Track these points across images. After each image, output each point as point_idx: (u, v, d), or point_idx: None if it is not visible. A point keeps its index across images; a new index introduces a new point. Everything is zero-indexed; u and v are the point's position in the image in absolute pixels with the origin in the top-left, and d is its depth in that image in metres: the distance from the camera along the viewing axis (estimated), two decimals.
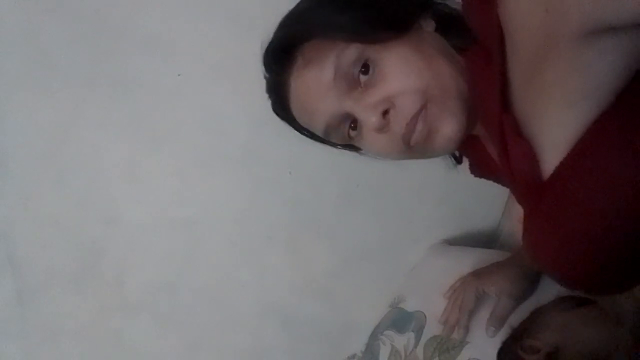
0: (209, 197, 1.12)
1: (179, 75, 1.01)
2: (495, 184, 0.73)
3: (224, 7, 0.97)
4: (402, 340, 0.97)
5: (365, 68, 0.58)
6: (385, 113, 0.57)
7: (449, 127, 0.57)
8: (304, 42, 0.60)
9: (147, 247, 1.14)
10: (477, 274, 0.93)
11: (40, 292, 1.12)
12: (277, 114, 0.68)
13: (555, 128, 0.48)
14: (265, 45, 0.64)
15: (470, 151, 0.70)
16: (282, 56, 0.62)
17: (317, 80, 0.59)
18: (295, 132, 0.69)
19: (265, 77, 0.67)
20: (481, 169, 0.72)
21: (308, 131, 0.67)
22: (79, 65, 0.98)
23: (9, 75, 0.98)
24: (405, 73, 0.56)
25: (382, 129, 0.58)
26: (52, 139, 1.03)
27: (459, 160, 0.74)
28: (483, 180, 0.74)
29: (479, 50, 0.55)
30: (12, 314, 1.12)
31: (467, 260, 1.02)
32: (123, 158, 1.07)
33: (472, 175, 0.75)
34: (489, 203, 1.19)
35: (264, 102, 0.69)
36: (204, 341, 1.23)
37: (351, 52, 0.57)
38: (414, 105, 0.56)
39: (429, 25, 0.60)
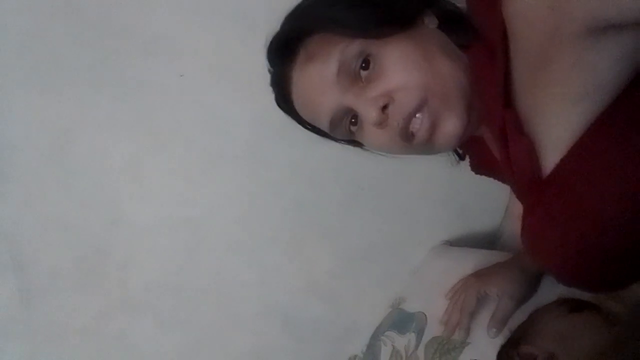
0: (213, 197, 1.13)
1: (181, 75, 1.01)
2: (497, 185, 0.73)
3: (226, 9, 0.98)
4: (403, 341, 0.98)
5: (366, 63, 0.58)
6: (385, 108, 0.58)
7: (451, 123, 0.57)
8: (307, 36, 0.61)
9: (151, 248, 1.14)
10: (479, 275, 0.93)
11: (44, 292, 1.12)
12: (280, 107, 0.69)
13: (557, 125, 0.48)
14: (270, 38, 0.65)
15: (472, 148, 0.70)
16: (284, 49, 0.63)
17: (321, 75, 0.59)
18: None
19: (269, 71, 0.68)
20: (482, 167, 0.72)
21: (310, 124, 0.68)
22: (83, 67, 0.99)
23: (14, 75, 0.98)
24: (405, 69, 0.57)
25: (381, 123, 0.58)
26: (56, 139, 1.03)
27: (461, 157, 0.75)
28: (485, 181, 0.75)
29: (482, 47, 0.55)
30: (16, 314, 1.12)
31: (469, 262, 1.02)
32: (127, 158, 1.07)
33: (474, 175, 0.75)
34: (491, 204, 1.19)
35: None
36: (206, 341, 1.23)
37: (354, 48, 0.58)
38: (412, 101, 0.57)
39: (432, 22, 0.61)
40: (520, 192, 0.58)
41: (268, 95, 0.69)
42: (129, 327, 1.19)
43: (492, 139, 0.62)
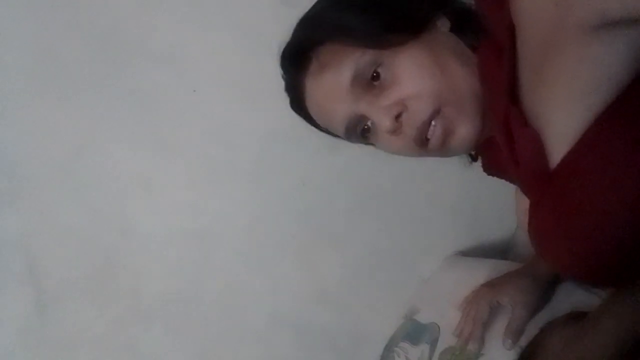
0: (223, 208, 1.13)
1: (194, 91, 1.02)
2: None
3: (238, 24, 0.99)
4: (417, 353, 0.97)
5: (380, 71, 0.59)
6: (398, 116, 0.58)
7: (464, 129, 0.58)
8: (319, 45, 0.61)
9: (161, 258, 1.14)
10: (491, 285, 0.93)
11: (57, 302, 1.13)
12: (295, 112, 0.70)
13: (563, 119, 0.48)
14: (282, 46, 0.66)
15: (484, 149, 0.70)
16: (297, 58, 0.63)
17: (335, 85, 0.60)
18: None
19: (282, 77, 0.68)
20: (493, 167, 0.72)
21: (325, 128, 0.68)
22: (96, 80, 1.00)
23: (27, 88, 0.99)
24: (418, 77, 0.57)
25: (395, 131, 0.59)
26: (68, 151, 1.04)
27: (474, 158, 0.75)
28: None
29: (490, 45, 0.55)
30: (30, 325, 1.12)
31: (481, 272, 1.01)
32: (138, 170, 1.08)
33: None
34: (503, 214, 1.18)
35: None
36: (216, 351, 1.23)
37: (367, 57, 0.58)
38: (426, 109, 0.57)
39: (444, 25, 0.61)
40: (526, 186, 0.58)
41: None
42: (140, 338, 1.19)
43: (499, 135, 0.62)
